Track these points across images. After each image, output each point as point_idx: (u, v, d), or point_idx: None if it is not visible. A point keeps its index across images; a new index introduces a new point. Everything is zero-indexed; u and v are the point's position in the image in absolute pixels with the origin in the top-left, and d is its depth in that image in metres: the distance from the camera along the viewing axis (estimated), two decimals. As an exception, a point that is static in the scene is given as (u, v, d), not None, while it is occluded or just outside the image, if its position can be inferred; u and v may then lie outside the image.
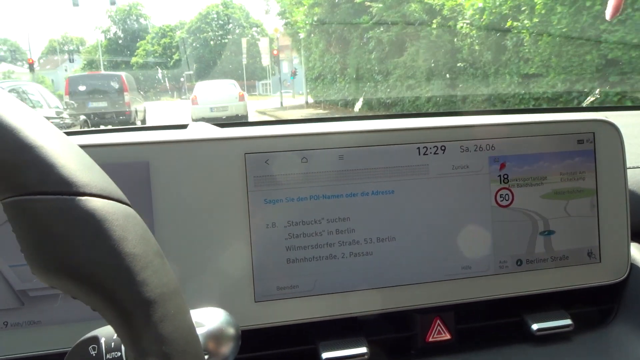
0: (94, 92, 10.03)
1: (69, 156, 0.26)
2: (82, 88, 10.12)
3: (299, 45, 15.80)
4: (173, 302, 0.27)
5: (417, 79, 9.36)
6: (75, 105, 9.54)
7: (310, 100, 15.02)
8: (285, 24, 16.98)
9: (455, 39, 8.13)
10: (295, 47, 16.93)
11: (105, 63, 34.47)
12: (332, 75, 13.17)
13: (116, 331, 0.26)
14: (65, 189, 0.25)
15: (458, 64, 8.05)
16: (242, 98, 10.70)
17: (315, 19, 13.48)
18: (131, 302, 0.25)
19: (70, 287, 0.25)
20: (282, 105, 15.66)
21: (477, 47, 7.57)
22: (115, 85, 10.10)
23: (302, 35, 14.89)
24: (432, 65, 8.77)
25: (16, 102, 0.27)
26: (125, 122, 9.22)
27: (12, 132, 0.25)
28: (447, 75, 8.40)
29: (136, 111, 10.11)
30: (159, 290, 0.26)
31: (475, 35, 7.59)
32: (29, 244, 0.25)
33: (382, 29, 10.34)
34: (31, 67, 16.39)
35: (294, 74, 19.11)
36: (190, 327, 0.28)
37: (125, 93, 9.84)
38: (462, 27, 7.78)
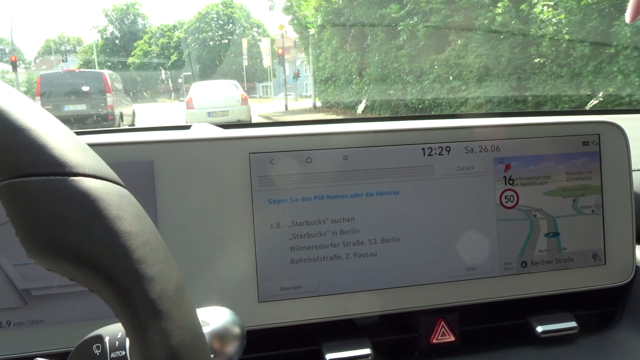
0: (70, 93, 8.50)
1: (60, 137, 0.26)
2: (56, 88, 8.53)
3: (306, 44, 14.42)
4: (172, 280, 0.26)
5: (464, 80, 7.44)
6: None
7: (318, 103, 13.74)
8: (292, 20, 15.34)
9: (531, 28, 6.25)
10: (302, 46, 15.61)
11: (109, 64, 34.25)
12: (347, 76, 11.43)
13: (114, 311, 0.26)
14: (58, 169, 0.25)
15: (535, 60, 6.20)
16: (245, 101, 9.41)
17: (330, 9, 11.67)
18: (128, 279, 0.25)
19: (67, 268, 0.25)
20: (287, 108, 14.39)
21: (566, 37, 5.77)
22: (96, 85, 8.48)
23: (312, 31, 13.30)
24: (490, 62, 6.87)
25: (2, 85, 0.26)
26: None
27: (0, 115, 0.25)
28: (513, 75, 6.52)
29: (121, 115, 8.69)
30: (156, 268, 0.26)
31: (564, 21, 5.83)
32: (24, 226, 0.24)
33: (416, 19, 8.41)
34: (14, 65, 15.49)
35: (296, 76, 18.95)
36: (192, 311, 0.27)
37: (107, 94, 8.33)
38: (541, 11, 6.03)
